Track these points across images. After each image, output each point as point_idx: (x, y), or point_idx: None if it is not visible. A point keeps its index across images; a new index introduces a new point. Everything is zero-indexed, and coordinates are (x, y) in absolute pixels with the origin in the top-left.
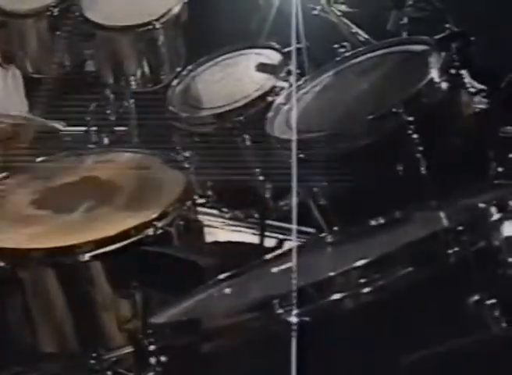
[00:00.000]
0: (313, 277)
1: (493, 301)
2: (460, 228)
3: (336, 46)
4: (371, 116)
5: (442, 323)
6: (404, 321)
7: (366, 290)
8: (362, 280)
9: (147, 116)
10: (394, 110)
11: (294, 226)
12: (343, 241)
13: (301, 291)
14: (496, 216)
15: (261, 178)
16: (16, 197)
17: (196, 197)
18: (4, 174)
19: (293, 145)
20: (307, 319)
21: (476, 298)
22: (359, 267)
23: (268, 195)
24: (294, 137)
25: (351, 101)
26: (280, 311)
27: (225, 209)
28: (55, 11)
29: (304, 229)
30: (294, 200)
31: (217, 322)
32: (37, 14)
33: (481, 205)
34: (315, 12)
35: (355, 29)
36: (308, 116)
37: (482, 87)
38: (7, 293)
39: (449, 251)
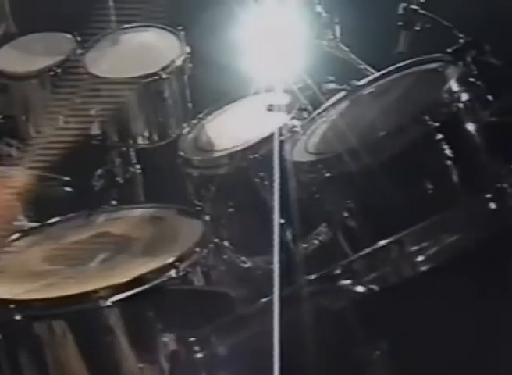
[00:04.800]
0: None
1: None
2: None
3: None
4: (392, 127)
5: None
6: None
7: (420, 258)
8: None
9: (157, 169)
10: (416, 118)
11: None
12: None
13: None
14: None
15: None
16: (28, 256)
17: (214, 242)
18: (15, 236)
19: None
20: (375, 287)
21: None
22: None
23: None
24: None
25: (370, 120)
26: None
27: (243, 258)
28: (58, 71)
29: None
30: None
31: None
32: (39, 75)
33: None
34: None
35: (363, 64)
36: (328, 138)
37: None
38: (24, 347)
39: None
